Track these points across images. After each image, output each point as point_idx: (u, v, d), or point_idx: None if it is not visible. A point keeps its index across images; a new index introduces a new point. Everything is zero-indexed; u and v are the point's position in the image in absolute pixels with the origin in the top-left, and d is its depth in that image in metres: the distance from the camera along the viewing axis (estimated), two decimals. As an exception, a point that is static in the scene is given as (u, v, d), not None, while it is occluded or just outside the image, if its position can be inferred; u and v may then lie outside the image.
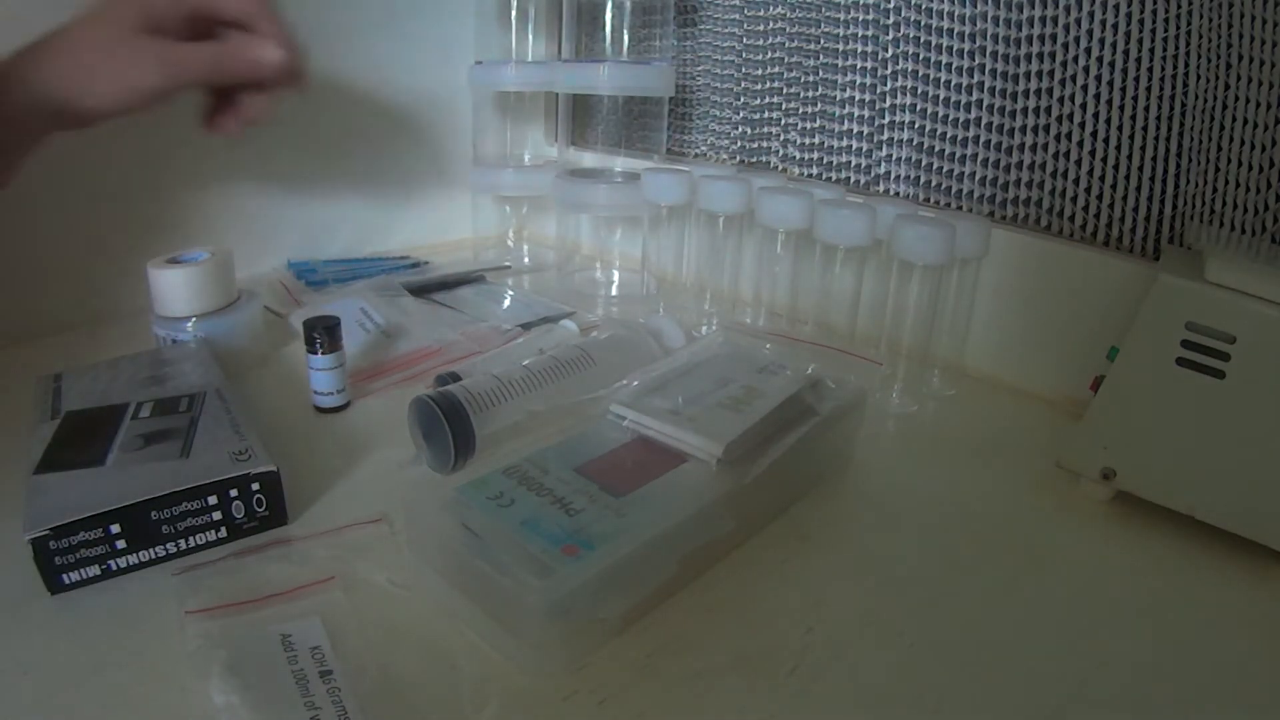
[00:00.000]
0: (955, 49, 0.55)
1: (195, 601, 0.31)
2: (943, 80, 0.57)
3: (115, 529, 0.32)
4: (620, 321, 0.50)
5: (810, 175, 0.67)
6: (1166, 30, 0.46)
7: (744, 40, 0.69)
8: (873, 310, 0.53)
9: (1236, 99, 0.44)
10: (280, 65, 0.42)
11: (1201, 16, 0.45)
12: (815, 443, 0.39)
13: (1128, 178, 0.50)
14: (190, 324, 0.50)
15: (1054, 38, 0.51)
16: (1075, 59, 0.50)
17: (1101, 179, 0.51)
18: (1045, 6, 0.51)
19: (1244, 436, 0.35)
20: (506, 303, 0.66)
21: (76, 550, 0.32)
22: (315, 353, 0.46)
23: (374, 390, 0.50)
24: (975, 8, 0.54)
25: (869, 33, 0.60)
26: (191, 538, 0.34)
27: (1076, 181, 0.52)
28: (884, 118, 0.61)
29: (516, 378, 0.42)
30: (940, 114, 0.57)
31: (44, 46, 0.40)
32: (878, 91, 0.61)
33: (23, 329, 0.57)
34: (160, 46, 0.41)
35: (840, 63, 0.62)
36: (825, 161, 0.65)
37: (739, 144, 0.72)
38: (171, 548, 0.34)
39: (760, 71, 0.68)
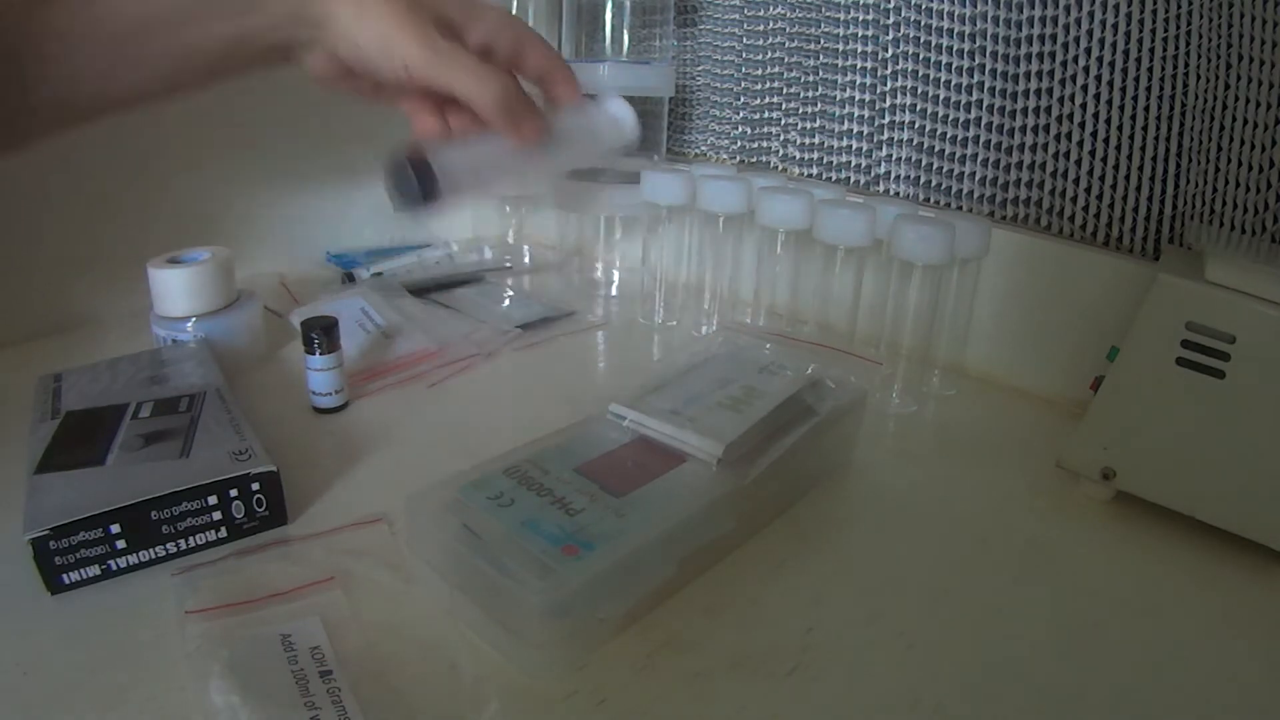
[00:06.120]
0: (955, 49, 0.55)
1: (195, 601, 0.31)
2: (943, 80, 0.57)
3: (115, 529, 0.32)
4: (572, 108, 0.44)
5: (810, 175, 0.67)
6: (1166, 30, 0.46)
7: (744, 40, 0.69)
8: (873, 310, 0.53)
9: (1236, 99, 0.44)
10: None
11: (1201, 16, 0.45)
12: (815, 443, 0.39)
13: (1128, 178, 0.50)
14: (190, 324, 0.50)
15: (1054, 38, 0.51)
16: (1075, 59, 0.50)
17: (1101, 179, 0.51)
18: (1045, 6, 0.51)
19: (1244, 436, 0.35)
20: (506, 303, 0.66)
21: (76, 550, 0.32)
22: (313, 353, 0.46)
23: (373, 391, 0.50)
24: (975, 8, 0.54)
25: (869, 33, 0.60)
26: (191, 538, 0.34)
27: (1076, 181, 0.52)
28: (884, 118, 0.61)
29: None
30: (940, 114, 0.57)
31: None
32: (878, 91, 0.61)
33: (23, 329, 0.57)
34: (457, 52, 0.37)
35: (840, 63, 0.62)
36: (825, 161, 0.65)
37: (739, 144, 0.72)
38: (171, 548, 0.34)
39: (760, 71, 0.68)
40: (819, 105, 0.65)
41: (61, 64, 0.33)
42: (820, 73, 0.64)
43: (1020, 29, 0.52)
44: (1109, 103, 0.49)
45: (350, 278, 0.68)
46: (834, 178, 0.65)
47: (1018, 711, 0.29)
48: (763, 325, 0.57)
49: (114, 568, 0.33)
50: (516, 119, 0.38)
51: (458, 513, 0.32)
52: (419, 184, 0.36)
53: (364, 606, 0.32)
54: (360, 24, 0.36)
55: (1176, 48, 0.46)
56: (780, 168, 0.69)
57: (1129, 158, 0.49)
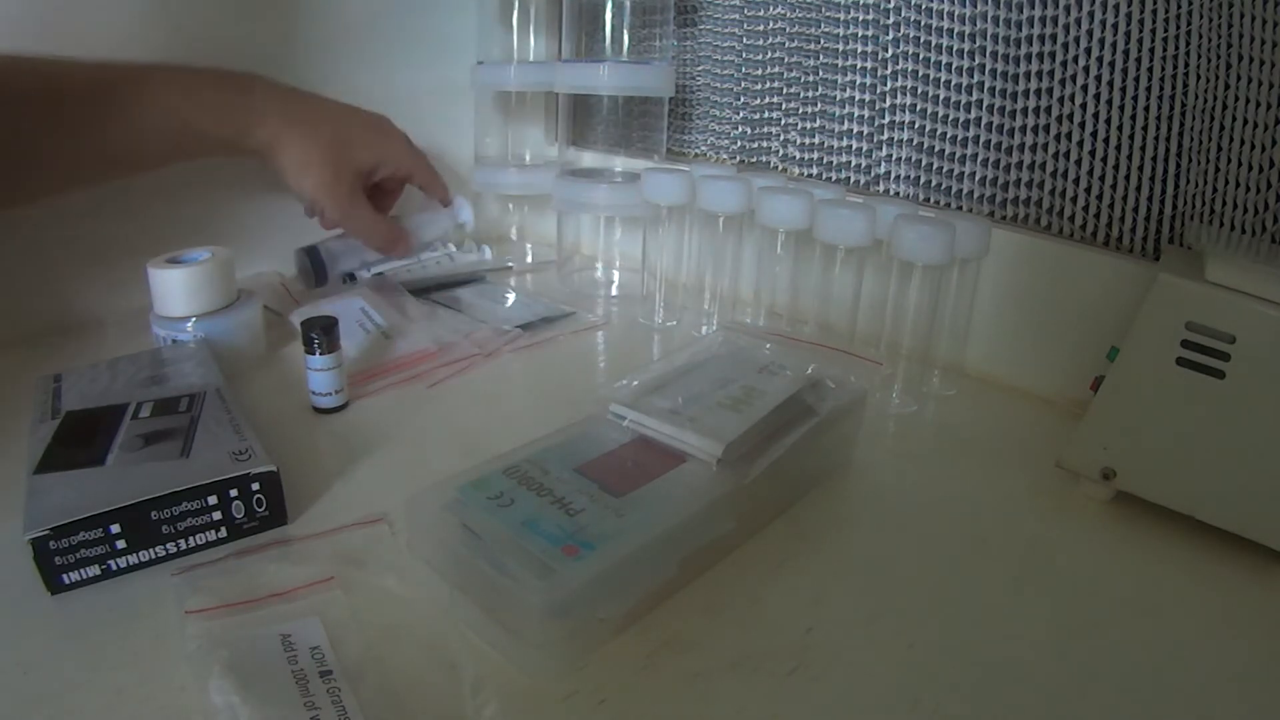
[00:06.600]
0: (955, 49, 0.55)
1: (195, 601, 0.31)
2: (943, 80, 0.57)
3: (115, 529, 0.32)
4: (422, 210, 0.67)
5: (810, 175, 0.67)
6: (1166, 30, 0.46)
7: (744, 40, 0.69)
8: (873, 310, 0.53)
9: (1236, 99, 0.44)
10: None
11: (1201, 16, 0.45)
12: (815, 443, 0.39)
13: (1128, 178, 0.50)
14: (190, 324, 0.50)
15: (1054, 38, 0.51)
16: (1075, 59, 0.50)
17: (1101, 179, 0.51)
18: (1045, 6, 0.51)
19: (1244, 436, 0.35)
20: (507, 303, 0.66)
21: (76, 550, 0.32)
22: (313, 353, 0.46)
23: (373, 391, 0.50)
24: (975, 8, 0.54)
25: (869, 33, 0.60)
26: (191, 538, 0.34)
27: (1076, 181, 0.52)
28: (884, 118, 0.61)
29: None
30: (940, 114, 0.57)
31: (296, 121, 0.55)
32: (878, 91, 0.61)
33: (23, 329, 0.57)
34: (360, 210, 0.60)
35: (840, 63, 0.62)
36: (825, 161, 0.65)
37: (739, 144, 0.72)
38: (171, 548, 0.34)
39: (760, 71, 0.68)
40: (819, 105, 0.65)
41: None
42: (820, 73, 0.64)
43: (1020, 29, 0.52)
44: (1109, 103, 0.49)
45: (350, 277, 0.68)
46: (834, 178, 0.65)
47: (1018, 711, 0.29)
48: (763, 325, 0.57)
49: (114, 568, 0.33)
50: (391, 248, 0.64)
51: (458, 513, 0.32)
52: (318, 271, 0.63)
53: (364, 606, 0.32)
54: (300, 181, 0.57)
55: (1176, 48, 0.46)
56: (780, 168, 0.69)
57: (1129, 158, 0.49)
